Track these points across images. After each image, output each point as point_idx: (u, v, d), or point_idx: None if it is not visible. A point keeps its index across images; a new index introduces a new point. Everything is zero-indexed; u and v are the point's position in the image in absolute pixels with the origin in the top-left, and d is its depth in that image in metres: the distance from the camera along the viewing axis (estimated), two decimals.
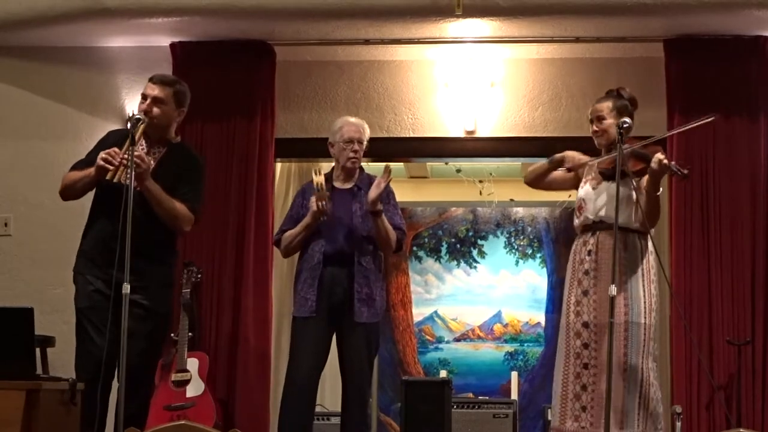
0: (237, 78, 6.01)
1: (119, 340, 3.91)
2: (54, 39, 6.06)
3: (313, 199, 4.85)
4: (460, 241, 10.17)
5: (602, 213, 4.48)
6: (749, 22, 5.69)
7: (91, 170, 4.35)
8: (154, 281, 4.44)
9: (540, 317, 9.97)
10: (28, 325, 4.20)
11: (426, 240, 10.17)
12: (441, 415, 5.83)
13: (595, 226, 4.53)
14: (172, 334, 5.51)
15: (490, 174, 8.54)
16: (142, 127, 4.32)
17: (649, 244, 4.48)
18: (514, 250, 10.13)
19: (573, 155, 4.67)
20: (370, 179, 5.01)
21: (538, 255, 10.09)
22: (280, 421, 4.88)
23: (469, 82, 6.22)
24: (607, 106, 4.58)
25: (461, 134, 6.25)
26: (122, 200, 3.99)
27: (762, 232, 5.74)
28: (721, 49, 5.83)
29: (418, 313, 10.13)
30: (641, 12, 5.54)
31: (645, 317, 4.40)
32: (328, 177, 5.07)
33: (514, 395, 8.20)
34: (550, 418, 6.45)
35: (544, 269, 10.06)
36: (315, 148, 6.09)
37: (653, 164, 4.26)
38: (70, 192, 4.50)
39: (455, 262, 10.16)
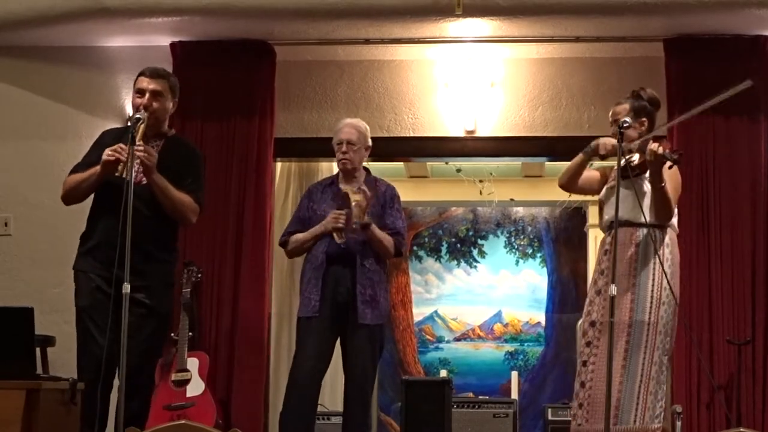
0: (237, 78, 6.01)
1: (120, 339, 3.91)
2: (54, 39, 6.06)
3: (339, 216, 4.81)
4: (461, 241, 10.19)
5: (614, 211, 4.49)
6: (749, 22, 5.69)
7: (96, 169, 4.33)
8: (156, 280, 4.44)
9: (540, 317, 9.99)
10: (28, 324, 4.20)
11: (426, 240, 10.19)
12: (441, 415, 5.83)
13: (613, 226, 4.52)
14: (172, 334, 5.51)
15: (490, 174, 8.54)
16: (142, 126, 4.32)
17: (666, 236, 4.47)
18: (514, 250, 10.14)
19: (605, 141, 4.56)
20: (376, 182, 5.01)
21: (539, 254, 10.11)
22: (281, 421, 4.88)
23: (469, 82, 6.22)
24: (624, 108, 4.57)
25: (461, 134, 6.25)
26: (129, 198, 3.98)
27: (762, 232, 5.74)
28: (721, 48, 5.82)
29: (419, 312, 10.16)
30: (641, 11, 5.54)
31: (650, 314, 4.39)
32: (334, 179, 5.07)
33: (515, 395, 8.22)
34: (551, 417, 6.49)
35: (545, 269, 10.08)
36: (315, 148, 6.10)
37: (648, 156, 4.28)
38: (74, 195, 4.47)
39: (455, 262, 10.18)
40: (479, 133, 6.25)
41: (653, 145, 4.29)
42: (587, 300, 4.64)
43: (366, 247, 4.88)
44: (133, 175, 4.10)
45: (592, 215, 8.99)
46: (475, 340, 10.12)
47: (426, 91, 6.29)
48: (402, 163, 8.22)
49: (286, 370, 5.76)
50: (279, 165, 6.70)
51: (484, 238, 10.18)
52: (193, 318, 5.69)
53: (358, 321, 4.82)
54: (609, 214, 4.55)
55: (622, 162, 4.52)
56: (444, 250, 10.19)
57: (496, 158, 7.19)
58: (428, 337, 10.15)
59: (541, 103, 6.25)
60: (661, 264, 4.40)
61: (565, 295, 9.92)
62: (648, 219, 4.39)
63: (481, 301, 10.12)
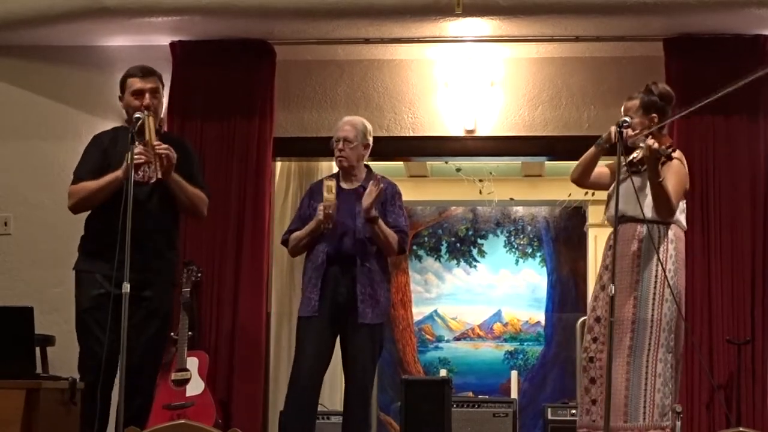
0: (237, 77, 6.01)
1: (127, 339, 3.91)
2: (54, 38, 6.06)
3: (320, 206, 4.84)
4: (460, 240, 10.19)
5: (619, 208, 4.48)
6: (749, 21, 5.69)
7: (117, 174, 4.27)
8: (164, 279, 4.46)
9: (540, 316, 10.00)
10: (28, 324, 4.20)
11: (426, 239, 10.19)
12: (441, 415, 5.83)
13: (619, 221, 4.52)
14: (172, 334, 5.51)
15: (490, 173, 8.54)
16: (152, 121, 4.33)
17: (671, 232, 4.47)
18: (513, 249, 10.14)
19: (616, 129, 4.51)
20: (376, 179, 5.01)
21: (538, 254, 10.11)
22: (281, 421, 4.89)
23: (469, 81, 6.21)
24: (633, 104, 4.56)
25: (461, 133, 6.25)
26: (133, 198, 3.99)
27: (762, 231, 5.74)
28: (721, 48, 5.82)
29: (418, 312, 10.16)
30: (641, 11, 5.54)
31: (653, 311, 4.39)
32: (335, 177, 5.06)
33: (514, 394, 8.22)
34: (550, 417, 6.49)
35: (544, 268, 10.08)
36: (315, 148, 6.09)
37: (644, 151, 4.29)
38: (88, 204, 4.42)
39: (455, 261, 10.18)
40: (479, 133, 6.25)
41: (649, 141, 4.30)
42: (592, 295, 4.66)
43: (367, 246, 4.87)
44: (136, 175, 4.12)
45: (592, 215, 8.99)
46: (474, 339, 10.12)
47: (426, 90, 6.29)
48: (402, 162, 8.21)
49: (286, 369, 5.79)
50: (279, 164, 6.71)
51: (484, 237, 10.18)
52: (193, 317, 5.69)
53: (358, 320, 4.82)
54: (613, 208, 4.54)
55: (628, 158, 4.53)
56: (444, 249, 10.19)
57: (495, 158, 7.19)
58: (428, 336, 10.15)
59: (541, 102, 6.25)
60: (662, 262, 4.40)
61: (565, 294, 9.92)
62: (647, 215, 4.38)
63: (480, 301, 10.12)
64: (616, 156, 4.30)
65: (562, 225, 10.02)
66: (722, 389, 5.62)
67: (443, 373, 8.67)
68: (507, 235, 10.16)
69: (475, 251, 10.18)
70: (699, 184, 5.74)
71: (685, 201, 4.59)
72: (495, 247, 10.15)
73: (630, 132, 4.43)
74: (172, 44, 6.05)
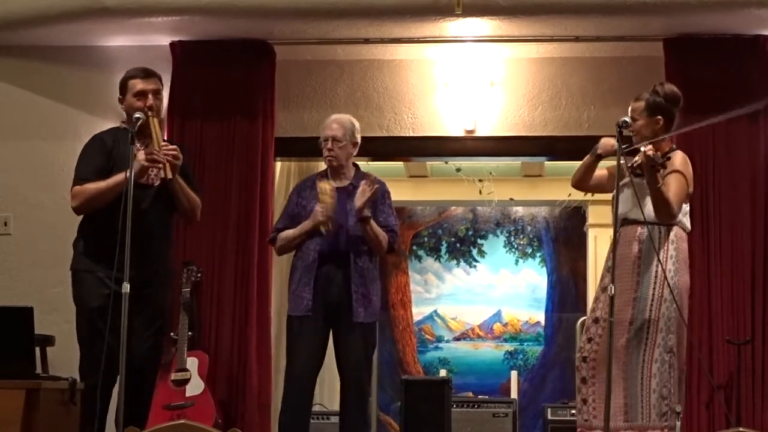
0: (237, 77, 6.01)
1: (127, 337, 3.91)
2: (54, 38, 6.06)
3: (318, 207, 4.83)
4: (460, 241, 10.19)
5: (621, 210, 4.49)
6: (749, 22, 5.69)
7: (121, 176, 4.21)
8: (161, 280, 4.48)
9: (540, 316, 10.00)
10: (28, 324, 4.21)
11: (426, 239, 10.19)
12: (441, 415, 5.84)
13: (620, 223, 4.53)
14: (172, 334, 5.51)
15: (490, 173, 8.54)
16: (157, 122, 4.35)
17: (672, 233, 4.46)
18: (513, 249, 10.15)
19: (605, 141, 4.55)
20: (365, 177, 5.00)
21: (538, 254, 10.11)
22: (280, 422, 4.89)
23: (469, 82, 6.21)
24: (639, 106, 4.55)
25: (461, 133, 6.25)
26: (137, 198, 4.00)
27: (762, 232, 5.73)
28: (721, 48, 5.82)
29: (418, 312, 10.16)
30: (641, 11, 5.54)
31: (651, 311, 4.39)
32: (324, 174, 5.05)
33: (514, 394, 8.22)
34: (550, 417, 6.49)
35: (544, 268, 10.08)
36: (315, 148, 6.02)
37: (641, 158, 4.30)
38: (95, 204, 4.39)
39: (455, 262, 10.18)
40: (479, 133, 6.25)
41: (646, 148, 4.30)
42: (594, 296, 4.67)
43: (359, 245, 4.87)
44: (137, 177, 4.13)
45: (592, 215, 8.99)
46: (474, 339, 10.12)
47: (426, 90, 6.29)
48: (402, 162, 8.21)
49: None
50: (278, 164, 6.70)
51: (484, 237, 10.18)
52: (193, 318, 5.69)
53: (352, 320, 4.81)
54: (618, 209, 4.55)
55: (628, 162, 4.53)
56: (444, 249, 10.19)
57: (495, 158, 7.19)
58: (428, 336, 10.16)
59: (541, 102, 6.25)
60: (662, 262, 4.40)
61: (565, 294, 9.92)
62: (647, 217, 4.39)
63: (480, 301, 10.12)
64: (617, 157, 4.30)
65: (561, 225, 10.02)
66: (722, 389, 5.62)
67: (443, 373, 8.68)
68: (507, 235, 10.16)
69: (475, 251, 10.18)
70: (699, 184, 5.73)
71: (688, 203, 4.59)
72: (495, 247, 10.16)
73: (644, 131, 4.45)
74: (172, 44, 6.05)
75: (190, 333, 5.60)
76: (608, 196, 4.75)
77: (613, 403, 4.30)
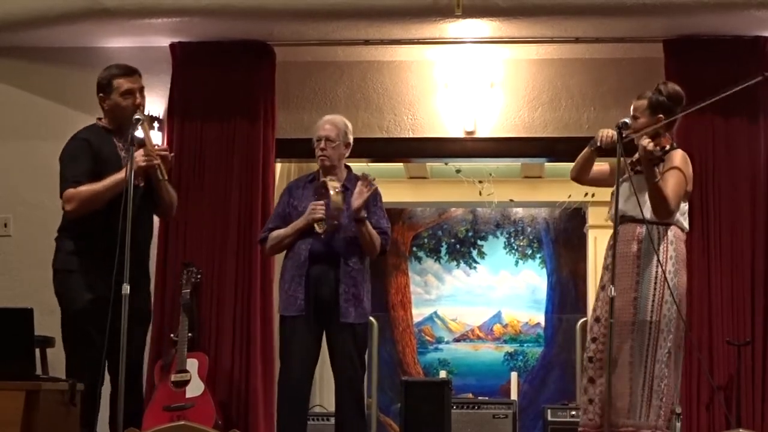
0: (237, 78, 6.01)
1: (117, 341, 3.93)
2: (54, 39, 6.06)
3: (316, 206, 4.81)
4: (460, 242, 10.19)
5: (620, 207, 4.49)
6: (749, 23, 5.69)
7: (121, 176, 4.25)
8: (145, 282, 4.51)
9: (540, 317, 10.00)
10: (28, 325, 4.20)
11: (426, 240, 10.19)
12: (441, 416, 5.84)
13: (619, 221, 4.52)
14: (172, 335, 5.51)
15: (490, 174, 8.54)
16: (147, 124, 4.37)
17: (670, 233, 4.46)
18: (513, 251, 10.15)
19: (603, 132, 4.53)
20: (357, 179, 4.98)
21: (538, 255, 10.11)
22: (279, 422, 4.89)
23: (469, 83, 6.22)
24: (641, 104, 4.54)
25: (461, 134, 6.25)
26: (128, 200, 4.01)
27: (762, 232, 5.74)
28: (721, 49, 5.83)
29: (418, 313, 10.16)
30: (641, 12, 5.55)
31: (652, 314, 4.39)
32: (315, 176, 5.05)
33: (514, 395, 8.23)
34: (550, 418, 6.49)
35: (544, 270, 10.08)
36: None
37: (639, 152, 4.29)
38: (91, 206, 4.40)
39: (455, 263, 10.18)
40: (479, 134, 6.25)
41: (644, 141, 4.30)
42: (595, 296, 4.67)
43: (350, 245, 4.86)
44: (131, 178, 4.14)
45: (592, 216, 8.99)
46: (474, 340, 10.12)
47: (425, 91, 6.29)
48: (401, 163, 8.22)
49: None
50: (278, 165, 6.70)
51: (484, 238, 10.19)
52: (193, 318, 5.69)
53: (341, 320, 4.81)
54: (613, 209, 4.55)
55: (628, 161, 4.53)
56: (443, 250, 10.20)
57: (495, 159, 7.19)
58: (428, 337, 10.16)
59: (541, 103, 6.25)
60: (662, 263, 4.40)
61: (565, 295, 9.92)
62: (646, 215, 4.38)
63: (480, 302, 10.13)
64: (617, 158, 4.30)
65: (561, 226, 10.02)
66: (722, 390, 5.62)
67: (443, 374, 8.68)
68: (507, 236, 10.16)
69: (474, 252, 10.18)
70: (699, 184, 5.73)
71: (687, 203, 4.59)
72: (495, 248, 10.16)
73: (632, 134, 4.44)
74: (172, 45, 6.05)
75: (189, 334, 5.59)
76: (608, 197, 4.74)
77: (619, 402, 4.32)
